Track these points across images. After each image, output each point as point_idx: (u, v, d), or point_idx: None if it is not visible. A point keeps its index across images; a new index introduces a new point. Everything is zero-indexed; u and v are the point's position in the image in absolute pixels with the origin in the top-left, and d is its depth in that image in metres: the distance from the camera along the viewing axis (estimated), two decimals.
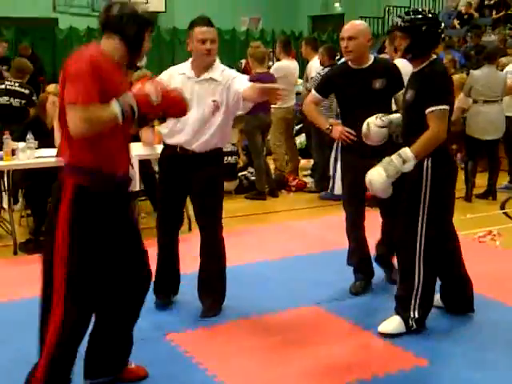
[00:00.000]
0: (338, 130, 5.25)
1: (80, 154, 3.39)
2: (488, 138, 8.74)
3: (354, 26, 5.22)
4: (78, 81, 3.27)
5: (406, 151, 4.32)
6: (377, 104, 5.03)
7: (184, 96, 3.68)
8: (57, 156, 3.51)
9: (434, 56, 4.56)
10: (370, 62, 5.20)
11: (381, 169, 4.35)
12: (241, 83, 4.67)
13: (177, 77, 4.79)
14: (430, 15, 4.48)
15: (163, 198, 5.07)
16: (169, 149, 4.93)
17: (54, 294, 3.43)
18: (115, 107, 3.32)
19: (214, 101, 4.70)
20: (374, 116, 4.82)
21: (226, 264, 5.02)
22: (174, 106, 3.57)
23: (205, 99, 4.70)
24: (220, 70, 4.77)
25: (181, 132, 4.77)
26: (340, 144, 5.49)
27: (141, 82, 3.50)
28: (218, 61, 4.85)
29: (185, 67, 4.84)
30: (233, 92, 4.68)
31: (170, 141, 4.88)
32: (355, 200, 5.43)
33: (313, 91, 5.62)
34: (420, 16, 4.45)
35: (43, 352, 3.47)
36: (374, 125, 4.78)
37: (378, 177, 4.35)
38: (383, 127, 4.77)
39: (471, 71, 9.27)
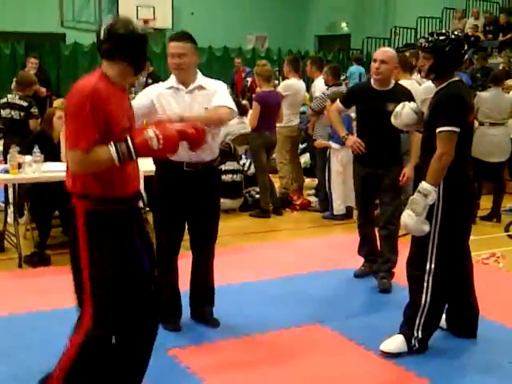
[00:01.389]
0: (352, 139, 5.97)
1: (86, 184, 3.42)
2: (494, 160, 8.74)
3: (387, 51, 5.94)
4: (77, 121, 3.30)
5: (423, 185, 4.36)
6: (387, 125, 5.27)
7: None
8: (66, 184, 3.51)
9: (457, 78, 4.60)
10: (391, 86, 5.85)
11: (409, 211, 4.40)
12: (216, 100, 4.66)
13: (165, 92, 4.75)
14: (453, 36, 4.51)
15: (167, 219, 4.87)
16: (172, 166, 4.71)
17: (84, 315, 3.47)
18: (112, 152, 3.33)
19: (206, 108, 4.65)
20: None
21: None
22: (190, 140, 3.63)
23: (197, 108, 4.67)
24: (204, 79, 4.79)
25: (184, 148, 4.28)
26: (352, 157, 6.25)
27: (144, 127, 3.53)
28: (199, 74, 4.82)
29: (170, 81, 4.81)
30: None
31: (174, 157, 4.54)
32: (364, 204, 6.27)
33: (338, 101, 6.31)
34: (443, 37, 4.50)
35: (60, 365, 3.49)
36: (409, 107, 5.02)
37: (409, 219, 4.39)
38: (416, 112, 4.98)
39: (478, 93, 9.25)
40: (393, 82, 5.90)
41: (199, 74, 4.81)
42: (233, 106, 4.69)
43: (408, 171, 5.79)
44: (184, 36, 4.73)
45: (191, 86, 4.73)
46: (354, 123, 8.94)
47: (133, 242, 3.55)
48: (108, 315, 3.47)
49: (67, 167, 3.48)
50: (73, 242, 3.48)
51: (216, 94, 4.71)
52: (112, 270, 3.44)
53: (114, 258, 3.44)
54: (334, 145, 8.68)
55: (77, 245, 3.44)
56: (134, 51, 3.48)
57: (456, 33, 4.69)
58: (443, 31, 4.68)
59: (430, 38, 4.56)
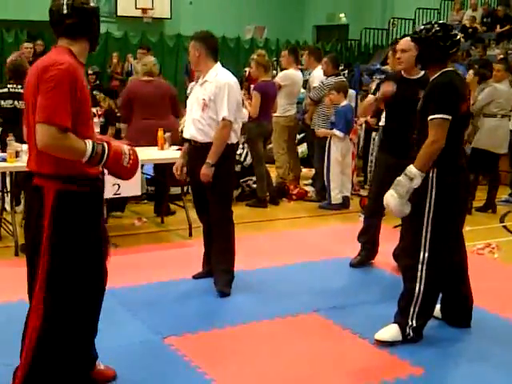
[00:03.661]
0: (385, 84, 6.05)
1: (59, 162, 3.34)
2: (503, 151, 8.82)
3: (407, 40, 5.76)
4: (54, 94, 3.21)
5: (411, 169, 4.38)
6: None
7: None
8: (29, 166, 3.50)
9: (450, 68, 4.61)
10: (421, 74, 5.71)
11: (392, 191, 4.43)
12: (218, 112, 5.28)
13: (197, 84, 5.57)
14: (437, 28, 4.51)
15: (191, 186, 5.94)
16: (187, 142, 5.58)
17: (34, 297, 3.45)
18: (88, 148, 3.31)
19: (203, 99, 5.33)
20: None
21: (232, 242, 5.52)
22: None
23: (200, 98, 5.37)
24: (214, 74, 5.37)
25: (189, 127, 5.47)
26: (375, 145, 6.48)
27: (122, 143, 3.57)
28: (216, 65, 5.43)
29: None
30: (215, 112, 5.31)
31: (185, 135, 5.57)
32: (380, 192, 5.93)
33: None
34: (427, 28, 4.54)
35: (23, 356, 3.50)
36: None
37: (391, 199, 4.42)
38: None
39: (494, 84, 9.07)
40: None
41: (214, 68, 5.40)
42: (225, 111, 5.23)
43: None
44: (192, 36, 5.51)
45: (202, 80, 5.43)
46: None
47: (98, 225, 3.56)
48: (61, 305, 3.46)
49: (31, 146, 3.39)
50: (34, 226, 3.43)
51: (216, 103, 5.27)
52: (75, 256, 3.44)
53: (80, 243, 3.44)
54: (338, 133, 8.70)
55: (39, 228, 3.37)
56: (95, 27, 3.46)
57: (443, 22, 4.72)
58: (432, 22, 4.68)
59: (417, 30, 4.66)
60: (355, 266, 6.30)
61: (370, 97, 6.45)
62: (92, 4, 3.48)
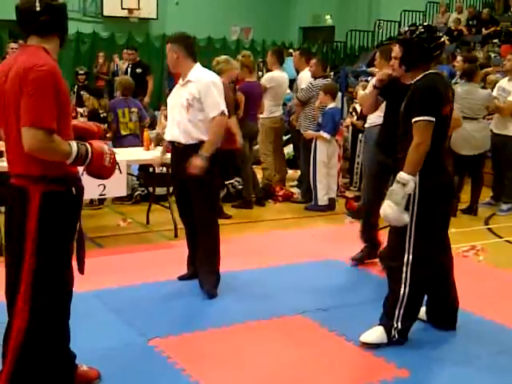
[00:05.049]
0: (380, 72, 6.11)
1: (46, 164, 3.30)
2: (464, 153, 8.68)
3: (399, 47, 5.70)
4: (39, 97, 3.17)
5: (401, 175, 4.37)
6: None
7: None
8: (10, 168, 3.46)
9: (434, 70, 4.61)
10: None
11: (388, 201, 4.41)
12: (208, 110, 5.27)
13: (177, 85, 5.54)
14: (421, 30, 4.53)
15: (174, 188, 6.03)
16: (170, 144, 5.60)
17: (19, 299, 3.42)
18: (73, 149, 3.30)
19: (187, 99, 5.31)
20: None
21: (218, 243, 5.50)
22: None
23: (183, 99, 5.33)
24: (196, 73, 5.34)
25: (172, 129, 5.45)
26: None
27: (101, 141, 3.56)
28: (196, 65, 5.41)
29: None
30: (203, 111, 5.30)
31: (168, 137, 5.56)
32: (376, 190, 6.19)
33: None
34: (411, 30, 4.56)
35: (7, 358, 3.46)
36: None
37: (388, 209, 4.40)
38: None
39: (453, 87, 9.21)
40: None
41: (195, 68, 5.37)
42: (219, 107, 5.27)
43: None
44: (168, 38, 5.56)
45: (184, 81, 5.38)
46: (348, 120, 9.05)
47: (76, 225, 3.55)
48: (47, 306, 3.45)
49: (11, 148, 3.35)
50: (17, 228, 3.39)
51: (204, 102, 5.25)
52: (59, 257, 3.44)
53: (63, 244, 3.45)
54: (325, 134, 8.70)
55: (23, 230, 3.35)
56: (65, 23, 3.44)
57: (428, 24, 4.73)
58: (416, 24, 4.70)
59: (402, 31, 4.70)
60: (356, 261, 6.35)
61: (370, 84, 6.45)
62: (60, 0, 3.45)
